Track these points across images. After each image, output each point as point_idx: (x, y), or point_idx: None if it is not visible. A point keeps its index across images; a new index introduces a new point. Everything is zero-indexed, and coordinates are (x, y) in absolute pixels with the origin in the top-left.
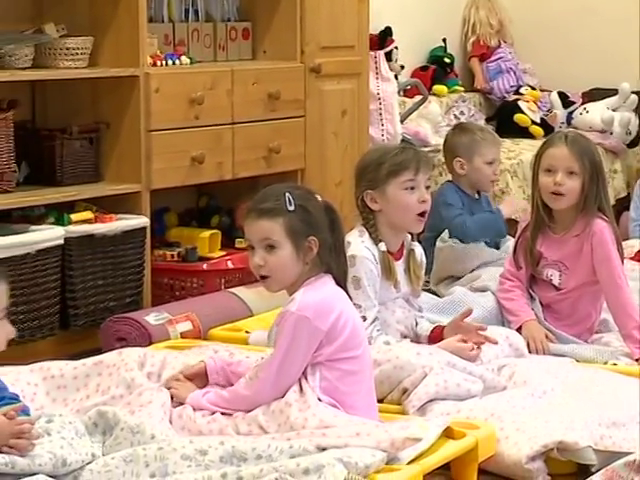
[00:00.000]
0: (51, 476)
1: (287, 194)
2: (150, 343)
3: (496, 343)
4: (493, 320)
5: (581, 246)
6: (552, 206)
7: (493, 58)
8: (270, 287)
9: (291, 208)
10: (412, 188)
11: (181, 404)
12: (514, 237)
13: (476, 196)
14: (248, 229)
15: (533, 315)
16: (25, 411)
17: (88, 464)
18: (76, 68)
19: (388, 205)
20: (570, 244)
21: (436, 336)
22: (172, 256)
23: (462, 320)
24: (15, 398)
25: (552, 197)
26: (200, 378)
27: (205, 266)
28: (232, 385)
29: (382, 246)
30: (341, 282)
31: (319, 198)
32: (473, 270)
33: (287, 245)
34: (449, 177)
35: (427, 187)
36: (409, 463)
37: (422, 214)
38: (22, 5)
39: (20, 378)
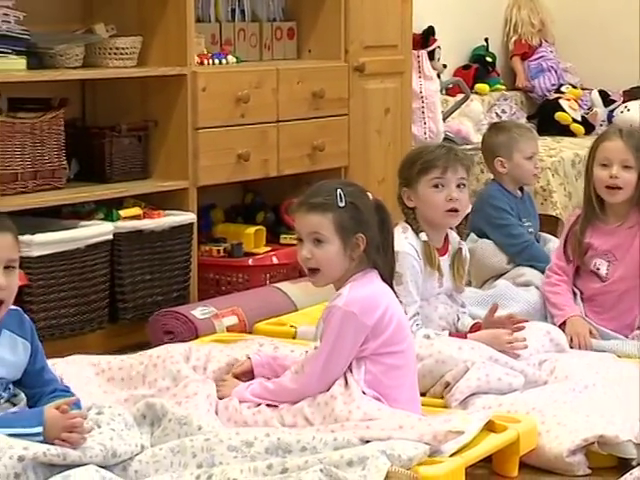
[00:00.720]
0: (101, 467)
1: (339, 190)
2: (197, 337)
3: (527, 321)
4: (536, 315)
5: (633, 238)
6: (608, 200)
7: (535, 57)
8: (317, 282)
9: (341, 204)
10: (440, 186)
11: None
12: (552, 234)
13: (519, 193)
14: (298, 222)
15: (578, 311)
16: (77, 404)
17: (137, 455)
18: (125, 67)
19: (420, 202)
20: (622, 235)
21: (476, 332)
22: (218, 251)
23: (492, 316)
24: (67, 390)
25: (608, 191)
26: (247, 375)
27: (250, 261)
28: (278, 377)
29: (423, 236)
30: (387, 279)
31: (370, 196)
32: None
33: (335, 240)
34: (491, 175)
35: (459, 185)
36: (451, 456)
37: (452, 210)
38: (73, 6)
39: (69, 370)
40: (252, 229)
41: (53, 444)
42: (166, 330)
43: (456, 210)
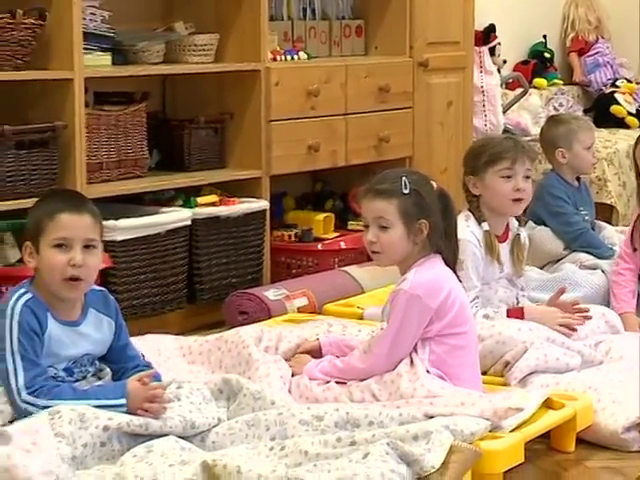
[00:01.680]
0: (181, 437)
1: (404, 178)
2: (269, 317)
3: (588, 310)
4: (599, 299)
5: None
6: None
7: (591, 52)
8: (380, 262)
9: (406, 191)
10: (508, 177)
11: None
12: (607, 222)
13: (576, 183)
14: (364, 208)
15: (633, 307)
16: (157, 377)
17: (214, 427)
18: (203, 63)
19: (486, 191)
20: None
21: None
22: (289, 237)
23: (557, 299)
24: (148, 366)
25: None
26: (315, 353)
27: (320, 246)
28: (345, 356)
29: (485, 226)
30: (451, 263)
31: (434, 185)
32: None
33: (399, 225)
34: (548, 165)
35: (526, 176)
36: (511, 431)
37: (518, 200)
38: (154, 5)
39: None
40: (321, 216)
41: (136, 414)
42: (241, 310)
43: (521, 199)
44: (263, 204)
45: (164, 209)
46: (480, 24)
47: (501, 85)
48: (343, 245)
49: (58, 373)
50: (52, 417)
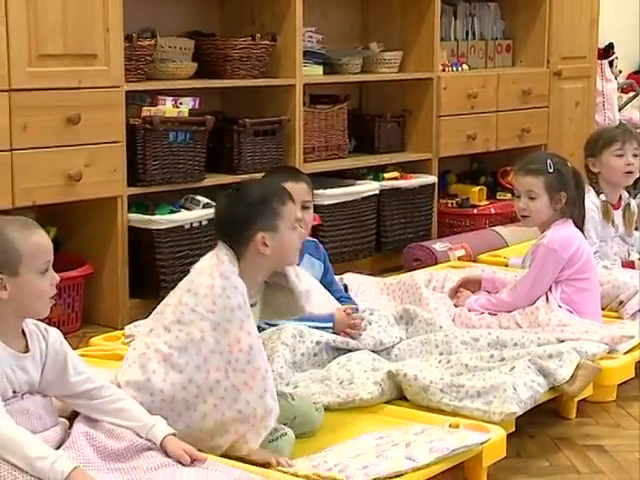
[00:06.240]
0: (372, 351)
1: (549, 160)
2: (436, 263)
3: None
4: None
5: None
6: None
7: None
8: (527, 223)
9: (551, 170)
10: (620, 155)
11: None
12: None
13: None
14: (517, 182)
15: None
16: (357, 309)
17: (397, 344)
18: (390, 73)
19: (603, 168)
20: None
21: None
22: (452, 204)
23: None
24: (348, 297)
25: None
26: (475, 284)
27: (475, 211)
28: (496, 290)
29: (602, 197)
30: (579, 226)
31: (569, 164)
32: None
33: (544, 196)
34: None
35: (634, 154)
36: (625, 353)
37: (629, 172)
38: (354, 29)
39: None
40: (476, 188)
41: (339, 335)
42: (415, 258)
43: (632, 172)
44: (432, 179)
45: (359, 182)
46: (602, 42)
47: (618, 89)
48: (493, 211)
49: None
50: (279, 331)
